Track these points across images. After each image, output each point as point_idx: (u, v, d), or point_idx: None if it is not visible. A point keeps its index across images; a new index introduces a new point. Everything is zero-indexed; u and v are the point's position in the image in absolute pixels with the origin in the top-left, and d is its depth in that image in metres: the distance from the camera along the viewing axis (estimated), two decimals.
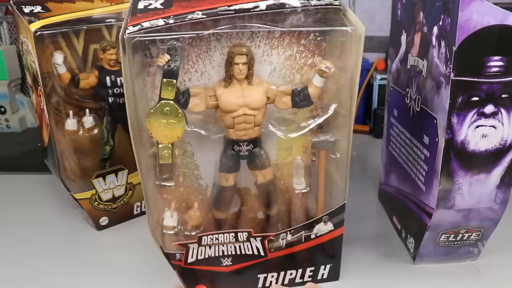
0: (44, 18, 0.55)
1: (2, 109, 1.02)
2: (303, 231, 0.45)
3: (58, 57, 0.55)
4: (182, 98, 0.40)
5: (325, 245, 0.46)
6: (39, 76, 0.56)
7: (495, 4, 0.39)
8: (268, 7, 0.38)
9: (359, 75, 0.39)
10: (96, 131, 0.62)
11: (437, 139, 0.46)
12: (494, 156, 0.45)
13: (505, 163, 0.45)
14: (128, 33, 0.36)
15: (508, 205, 0.48)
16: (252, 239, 0.44)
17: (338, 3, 0.38)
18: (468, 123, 0.43)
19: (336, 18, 0.39)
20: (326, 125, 0.44)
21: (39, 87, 0.57)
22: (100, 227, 0.63)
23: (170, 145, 0.41)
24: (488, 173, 0.46)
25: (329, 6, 0.39)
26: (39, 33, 0.53)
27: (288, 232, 0.45)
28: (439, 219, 0.48)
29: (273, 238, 0.45)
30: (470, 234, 0.50)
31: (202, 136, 0.43)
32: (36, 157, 0.75)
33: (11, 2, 0.60)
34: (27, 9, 0.57)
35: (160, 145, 0.41)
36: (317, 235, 0.45)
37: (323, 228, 0.45)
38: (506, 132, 0.44)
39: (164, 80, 0.38)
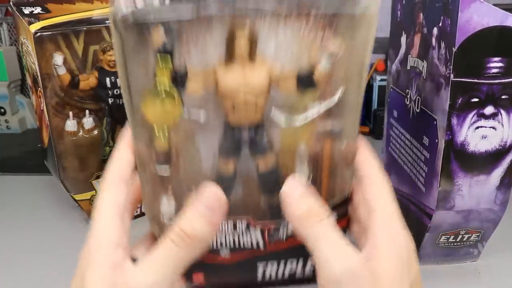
0: (44, 19, 0.55)
1: (2, 110, 1.02)
2: None
3: (58, 58, 0.55)
4: (180, 80, 0.39)
5: None
6: (39, 77, 0.56)
7: (495, 5, 0.39)
8: None
9: (370, 58, 0.37)
10: (96, 132, 0.62)
11: (437, 140, 0.46)
12: (494, 157, 0.45)
13: (505, 164, 0.45)
14: (120, 15, 0.34)
15: (508, 206, 0.48)
16: (251, 229, 0.44)
17: None
18: (468, 124, 0.43)
19: None
20: (333, 112, 0.42)
21: (39, 88, 0.57)
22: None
23: (166, 129, 0.40)
24: (488, 174, 0.46)
25: None
26: (39, 34, 0.53)
27: (289, 224, 0.44)
28: (439, 220, 0.48)
29: (272, 229, 0.44)
30: (470, 235, 0.50)
31: (203, 120, 0.42)
32: (36, 158, 0.75)
33: (11, 3, 0.60)
34: (27, 10, 0.57)
35: (155, 129, 0.40)
36: None
37: None
38: (506, 133, 0.44)
39: (159, 60, 0.37)
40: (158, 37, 0.37)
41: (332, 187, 0.46)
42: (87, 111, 0.60)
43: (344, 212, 0.44)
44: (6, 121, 1.03)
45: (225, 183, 0.45)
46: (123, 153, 0.34)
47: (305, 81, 0.40)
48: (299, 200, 0.33)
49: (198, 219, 0.30)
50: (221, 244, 0.45)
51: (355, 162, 0.36)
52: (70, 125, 0.59)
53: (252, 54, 0.38)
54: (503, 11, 0.40)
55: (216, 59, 0.40)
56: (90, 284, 0.27)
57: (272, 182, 0.45)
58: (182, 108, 0.39)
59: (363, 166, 0.35)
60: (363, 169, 0.35)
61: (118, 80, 0.59)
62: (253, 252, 0.46)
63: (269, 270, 0.47)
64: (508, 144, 0.45)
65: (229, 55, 0.38)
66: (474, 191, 0.46)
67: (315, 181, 0.46)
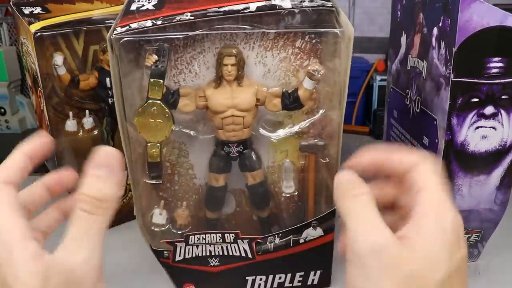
0: (44, 19, 0.55)
1: (2, 110, 1.02)
2: (291, 236, 0.45)
3: (58, 58, 0.55)
4: (172, 98, 0.40)
5: (314, 251, 0.46)
6: (39, 77, 0.56)
7: (495, 5, 0.39)
8: (259, 9, 0.38)
9: (348, 78, 0.39)
10: (96, 132, 0.62)
11: (437, 140, 0.46)
12: (494, 157, 0.45)
13: (505, 164, 0.45)
14: (115, 34, 0.36)
15: (508, 206, 0.48)
16: (239, 241, 0.44)
17: (330, 4, 0.38)
18: (468, 124, 0.43)
19: (328, 20, 0.39)
20: (316, 128, 0.44)
21: (39, 88, 0.57)
22: None
23: (158, 144, 0.41)
24: (488, 174, 0.46)
25: (321, 8, 0.39)
26: (39, 34, 0.53)
27: (276, 236, 0.44)
28: None
29: (260, 241, 0.44)
30: (470, 235, 0.50)
31: (195, 136, 0.44)
32: None
33: (11, 3, 0.60)
34: (27, 10, 0.57)
35: (148, 144, 0.41)
36: (306, 240, 0.45)
37: (312, 233, 0.45)
38: (505, 133, 0.44)
39: (152, 80, 0.39)
40: (151, 55, 0.38)
41: (318, 200, 0.47)
42: (87, 111, 0.60)
43: (331, 226, 0.45)
44: (6, 121, 1.03)
45: (216, 196, 0.46)
46: (11, 158, 0.33)
47: (290, 100, 0.41)
48: (344, 174, 0.30)
49: (103, 181, 0.29)
50: (211, 253, 0.45)
51: (394, 160, 0.31)
52: (70, 125, 0.60)
53: (240, 77, 0.40)
54: (503, 11, 0.40)
55: (207, 80, 0.42)
56: (21, 284, 0.25)
57: (261, 196, 0.46)
58: (174, 125, 0.41)
59: (407, 157, 0.30)
60: (408, 159, 0.30)
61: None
62: (241, 262, 0.46)
63: (258, 279, 0.47)
64: (508, 144, 0.45)
65: (219, 77, 0.40)
66: (474, 191, 0.46)
67: (302, 195, 0.47)
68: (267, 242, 0.45)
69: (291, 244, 0.45)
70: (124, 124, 0.41)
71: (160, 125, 0.40)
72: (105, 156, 0.29)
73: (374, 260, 0.25)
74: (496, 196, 0.47)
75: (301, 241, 0.45)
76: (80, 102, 0.61)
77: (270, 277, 0.47)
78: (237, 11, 0.38)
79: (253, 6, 0.37)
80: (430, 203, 0.27)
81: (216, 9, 0.37)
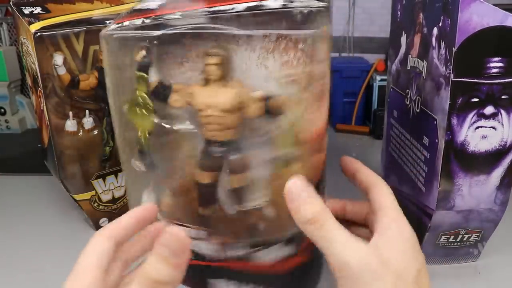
0: (44, 19, 0.55)
1: (2, 110, 1.03)
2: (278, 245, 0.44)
3: (58, 58, 0.55)
4: (163, 92, 0.41)
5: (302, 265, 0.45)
6: (39, 77, 0.56)
7: (495, 5, 0.39)
8: (248, 9, 0.38)
9: (329, 82, 0.39)
10: (96, 132, 0.62)
11: (437, 140, 0.46)
12: (494, 157, 0.45)
13: (505, 164, 0.45)
14: (107, 31, 0.37)
15: (508, 206, 0.48)
16: (211, 240, 0.44)
17: (321, 5, 0.39)
18: (468, 124, 0.44)
19: (314, 20, 0.40)
20: (296, 135, 0.44)
21: (39, 88, 0.57)
22: (99, 228, 0.63)
23: (147, 134, 0.42)
24: (488, 174, 0.46)
25: (312, 7, 0.39)
26: (39, 34, 0.53)
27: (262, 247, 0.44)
28: (439, 220, 0.48)
29: (233, 243, 0.44)
30: (470, 235, 0.50)
31: (188, 132, 0.44)
32: (36, 158, 0.75)
33: (11, 3, 0.60)
34: (27, 10, 0.57)
35: (138, 131, 0.42)
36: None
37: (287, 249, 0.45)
38: (506, 133, 0.44)
39: (137, 73, 0.40)
40: (139, 51, 0.39)
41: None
42: (87, 111, 0.60)
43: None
44: (6, 121, 1.03)
45: (203, 193, 0.45)
46: (120, 218, 0.37)
47: (271, 104, 0.41)
48: (305, 205, 0.35)
49: (163, 263, 0.30)
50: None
51: (359, 176, 0.39)
52: (70, 125, 0.59)
53: (224, 77, 0.40)
54: (503, 11, 0.40)
55: (198, 79, 0.42)
56: None
57: (240, 199, 0.45)
58: (157, 118, 0.41)
59: (368, 177, 0.38)
60: (368, 179, 0.38)
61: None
62: (202, 261, 0.45)
63: (224, 286, 0.46)
64: (508, 144, 0.45)
65: (204, 76, 0.41)
66: (474, 191, 0.46)
67: (276, 203, 0.46)
68: (242, 247, 0.44)
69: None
70: (118, 113, 0.42)
71: (144, 117, 0.41)
72: (174, 240, 0.30)
73: (366, 270, 0.30)
74: (496, 196, 0.47)
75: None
76: (80, 102, 0.61)
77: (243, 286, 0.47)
78: (225, 11, 0.38)
79: (242, 6, 0.37)
80: (392, 219, 0.34)
81: (206, 9, 0.38)
